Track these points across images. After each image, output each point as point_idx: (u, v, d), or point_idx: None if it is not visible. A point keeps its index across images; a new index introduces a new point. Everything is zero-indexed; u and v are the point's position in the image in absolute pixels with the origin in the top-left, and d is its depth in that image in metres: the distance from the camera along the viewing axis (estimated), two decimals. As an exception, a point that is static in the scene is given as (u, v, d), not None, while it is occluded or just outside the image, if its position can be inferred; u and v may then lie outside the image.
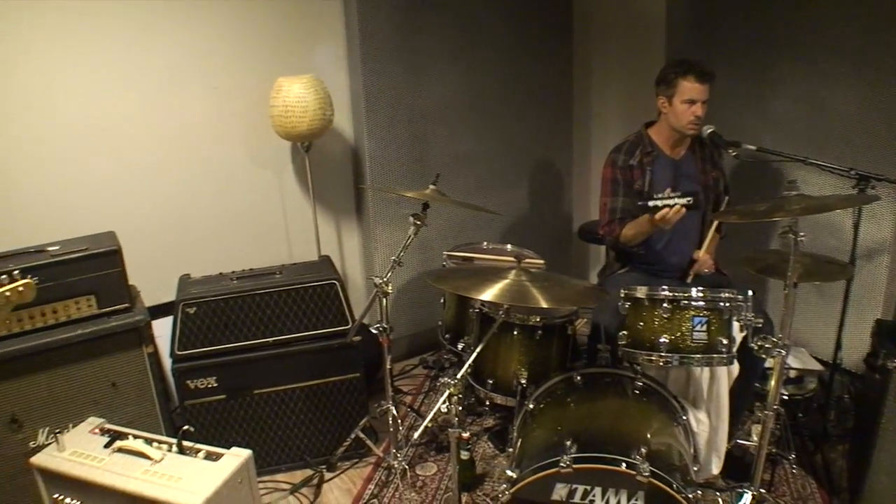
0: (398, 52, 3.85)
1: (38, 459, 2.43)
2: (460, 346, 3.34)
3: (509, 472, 2.36)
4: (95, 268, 2.89)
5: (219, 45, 3.52)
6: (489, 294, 2.48)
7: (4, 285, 1.74)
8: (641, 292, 2.69)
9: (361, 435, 3.29)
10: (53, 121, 3.24)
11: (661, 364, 2.65)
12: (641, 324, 2.69)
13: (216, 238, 3.71)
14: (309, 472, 3.29)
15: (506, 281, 2.56)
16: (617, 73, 4.59)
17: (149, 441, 2.44)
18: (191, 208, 3.63)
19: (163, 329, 3.16)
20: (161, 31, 3.37)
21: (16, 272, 1.76)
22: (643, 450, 2.18)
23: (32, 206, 3.28)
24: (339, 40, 3.83)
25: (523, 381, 3.00)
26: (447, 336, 3.62)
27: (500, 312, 2.76)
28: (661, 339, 2.62)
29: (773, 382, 2.42)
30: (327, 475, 3.28)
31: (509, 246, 3.88)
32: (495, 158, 4.33)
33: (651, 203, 2.84)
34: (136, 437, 2.48)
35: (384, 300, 2.93)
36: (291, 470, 3.32)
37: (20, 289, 1.76)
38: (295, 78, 3.45)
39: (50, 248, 2.96)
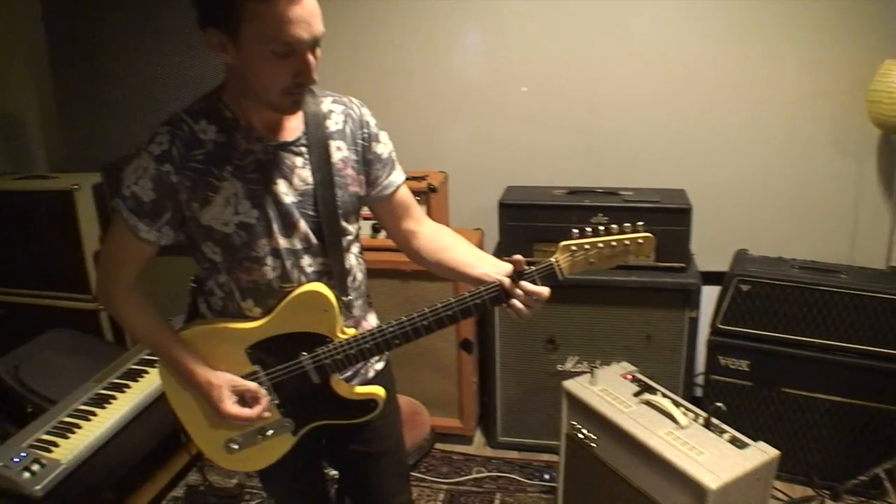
0: None
1: (570, 385, 2.58)
2: None
3: None
4: (663, 221, 2.95)
5: (820, 19, 3.26)
6: None
7: (626, 234, 1.64)
8: None
9: (882, 475, 2.90)
10: (656, 77, 3.39)
11: None
12: None
13: (776, 219, 3.51)
14: (810, 491, 3.03)
15: None
16: None
17: (676, 403, 2.42)
18: (759, 183, 3.48)
19: (703, 297, 3.10)
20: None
21: (639, 223, 1.66)
22: None
23: (611, 148, 3.47)
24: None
25: None
26: None
27: None
28: None
29: None
30: (828, 502, 2.98)
31: None
32: None
33: None
34: (664, 395, 2.48)
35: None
36: (791, 482, 3.09)
37: (640, 241, 1.65)
38: (907, 63, 3.04)
39: (623, 192, 3.10)
